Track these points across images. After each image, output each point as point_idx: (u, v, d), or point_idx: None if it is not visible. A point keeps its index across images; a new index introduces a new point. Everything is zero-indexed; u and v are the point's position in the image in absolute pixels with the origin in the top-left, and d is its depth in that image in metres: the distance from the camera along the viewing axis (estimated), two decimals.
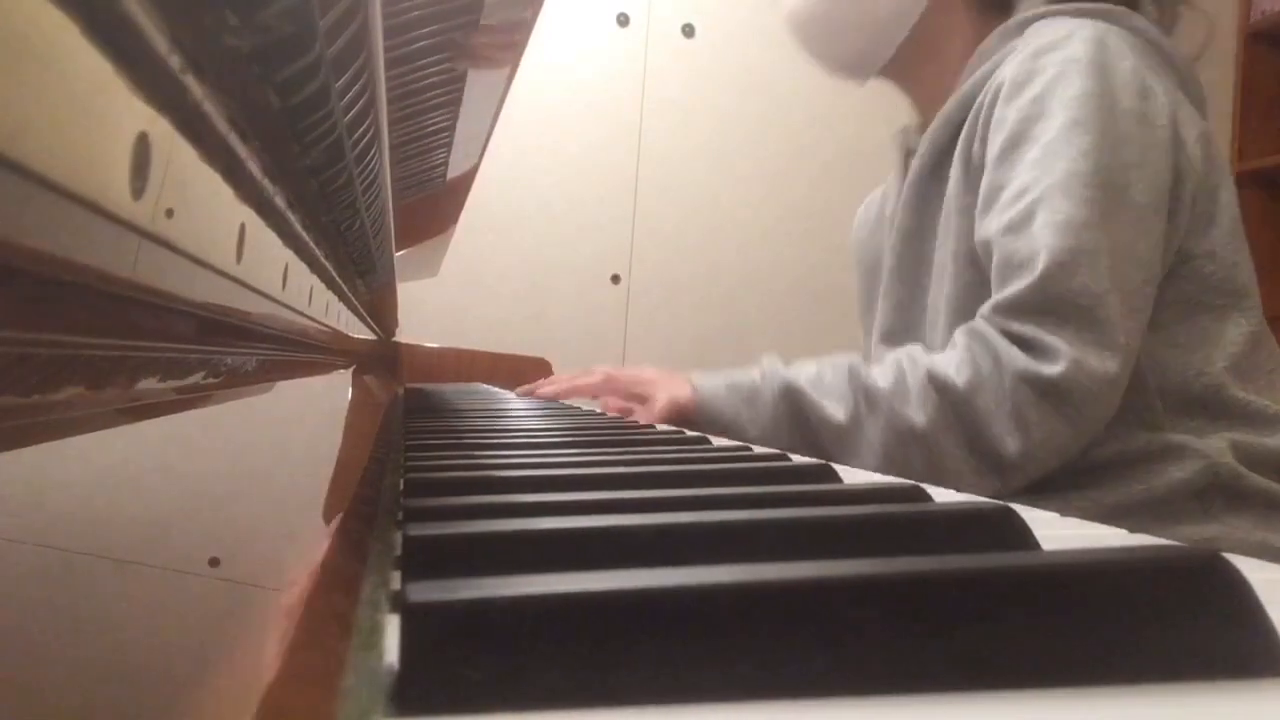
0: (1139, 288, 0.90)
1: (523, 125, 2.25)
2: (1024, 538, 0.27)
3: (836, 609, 0.19)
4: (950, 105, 1.04)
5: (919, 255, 1.07)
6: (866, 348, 1.19)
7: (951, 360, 0.91)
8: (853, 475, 0.47)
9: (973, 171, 0.99)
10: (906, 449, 0.91)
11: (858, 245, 1.25)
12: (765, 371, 1.00)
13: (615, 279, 2.38)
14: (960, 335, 0.92)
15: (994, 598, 0.19)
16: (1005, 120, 0.94)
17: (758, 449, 0.60)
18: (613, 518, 0.28)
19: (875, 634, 0.19)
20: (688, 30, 2.40)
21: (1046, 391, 0.86)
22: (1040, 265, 0.87)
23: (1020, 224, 0.90)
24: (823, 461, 0.48)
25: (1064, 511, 0.42)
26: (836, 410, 0.95)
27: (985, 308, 0.91)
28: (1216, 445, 0.91)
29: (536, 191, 2.34)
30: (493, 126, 1.01)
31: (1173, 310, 0.95)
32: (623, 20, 2.37)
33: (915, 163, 1.08)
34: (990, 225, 0.93)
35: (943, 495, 0.39)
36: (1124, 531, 0.37)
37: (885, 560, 0.20)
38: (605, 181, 2.38)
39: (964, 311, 0.98)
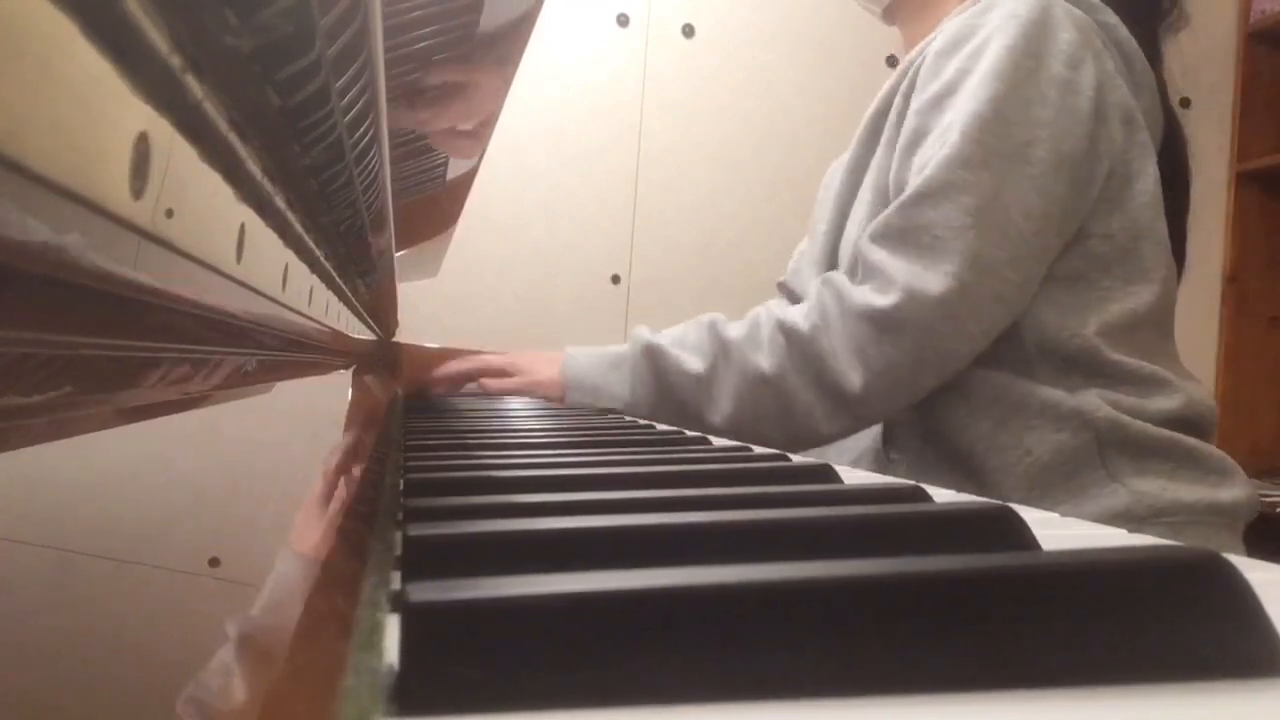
0: (1028, 238, 0.92)
1: (523, 126, 2.24)
2: (1024, 538, 0.27)
3: (836, 609, 0.19)
4: (916, 50, 1.08)
5: (854, 187, 1.12)
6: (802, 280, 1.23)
7: (803, 307, 0.98)
8: (853, 475, 0.47)
9: (905, 114, 1.04)
10: (757, 393, 0.97)
11: (823, 190, 1.28)
12: (632, 337, 1.06)
13: (615, 279, 2.38)
14: (814, 283, 0.99)
15: (994, 598, 0.19)
16: (943, 70, 0.98)
17: (757, 449, 0.60)
18: (612, 518, 0.28)
19: (875, 634, 0.19)
20: (688, 30, 2.40)
21: (883, 324, 0.91)
22: (908, 192, 0.92)
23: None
24: (822, 462, 0.48)
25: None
26: (695, 363, 1.00)
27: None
28: (1090, 401, 0.94)
29: (536, 191, 2.34)
30: (492, 127, 1.01)
31: (1058, 281, 0.98)
32: (623, 20, 2.37)
33: (875, 101, 1.13)
34: (910, 169, 0.97)
35: (943, 495, 0.39)
36: (1123, 531, 0.37)
37: (885, 560, 0.20)
38: (605, 181, 2.38)
39: None
